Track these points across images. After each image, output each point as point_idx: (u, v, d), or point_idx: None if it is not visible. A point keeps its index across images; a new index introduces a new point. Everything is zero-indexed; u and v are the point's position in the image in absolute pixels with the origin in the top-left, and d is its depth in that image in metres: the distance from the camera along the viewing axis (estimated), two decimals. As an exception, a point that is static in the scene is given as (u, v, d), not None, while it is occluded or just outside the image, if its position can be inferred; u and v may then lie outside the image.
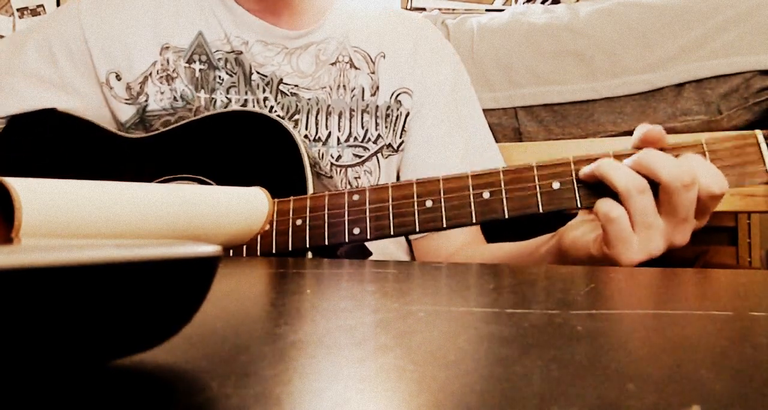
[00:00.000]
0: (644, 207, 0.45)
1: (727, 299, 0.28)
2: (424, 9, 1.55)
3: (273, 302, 0.26)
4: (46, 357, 0.13)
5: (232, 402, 0.12)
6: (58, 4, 1.73)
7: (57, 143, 0.71)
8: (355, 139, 0.72)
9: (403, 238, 0.75)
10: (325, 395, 0.12)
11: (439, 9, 1.52)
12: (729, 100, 1.02)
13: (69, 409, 0.12)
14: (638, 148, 0.48)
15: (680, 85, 1.05)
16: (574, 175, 0.49)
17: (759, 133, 0.47)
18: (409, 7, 1.67)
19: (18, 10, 1.69)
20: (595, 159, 0.48)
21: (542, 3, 1.56)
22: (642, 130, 0.48)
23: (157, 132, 0.66)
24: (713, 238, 1.54)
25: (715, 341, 0.18)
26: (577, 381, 0.13)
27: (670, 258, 0.47)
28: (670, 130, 0.94)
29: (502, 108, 1.13)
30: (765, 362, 0.15)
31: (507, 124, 1.13)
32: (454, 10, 1.54)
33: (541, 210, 0.49)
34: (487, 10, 1.50)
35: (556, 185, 0.49)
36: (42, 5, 1.70)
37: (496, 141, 0.85)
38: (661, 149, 0.47)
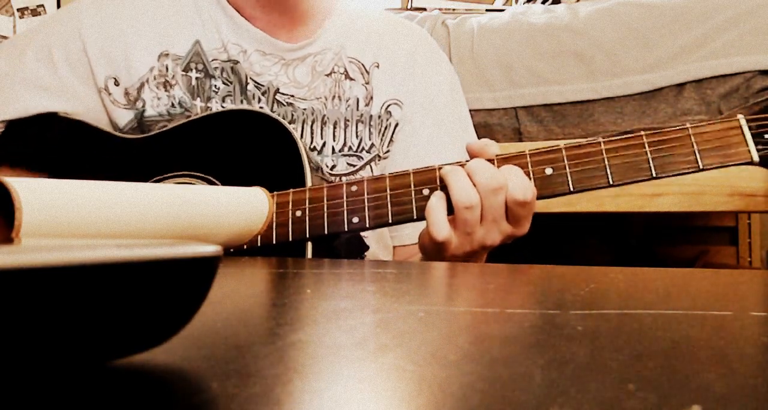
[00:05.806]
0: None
1: (727, 299, 0.28)
2: (424, 9, 1.55)
3: (273, 302, 0.26)
4: (46, 357, 0.13)
5: (233, 402, 0.12)
6: (58, 4, 1.72)
7: (57, 145, 0.71)
8: (350, 148, 0.72)
9: (391, 246, 0.76)
10: (325, 395, 0.12)
11: (439, 9, 1.52)
12: (729, 100, 1.02)
13: (69, 409, 0.12)
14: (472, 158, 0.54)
15: (680, 85, 1.04)
16: (566, 160, 0.51)
17: (741, 118, 0.50)
18: (409, 7, 1.67)
19: (18, 10, 1.69)
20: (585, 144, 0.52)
21: (542, 3, 1.56)
22: (467, 145, 0.55)
23: (155, 132, 0.67)
24: (713, 238, 1.53)
25: (715, 341, 0.18)
26: (577, 381, 0.13)
27: (670, 259, 0.48)
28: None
29: (502, 108, 1.13)
30: (765, 362, 0.15)
31: (507, 124, 1.13)
32: (454, 10, 1.54)
33: None
34: (487, 10, 1.50)
35: (549, 171, 0.51)
36: (42, 5, 1.70)
37: (497, 141, 0.84)
38: (490, 160, 0.52)
